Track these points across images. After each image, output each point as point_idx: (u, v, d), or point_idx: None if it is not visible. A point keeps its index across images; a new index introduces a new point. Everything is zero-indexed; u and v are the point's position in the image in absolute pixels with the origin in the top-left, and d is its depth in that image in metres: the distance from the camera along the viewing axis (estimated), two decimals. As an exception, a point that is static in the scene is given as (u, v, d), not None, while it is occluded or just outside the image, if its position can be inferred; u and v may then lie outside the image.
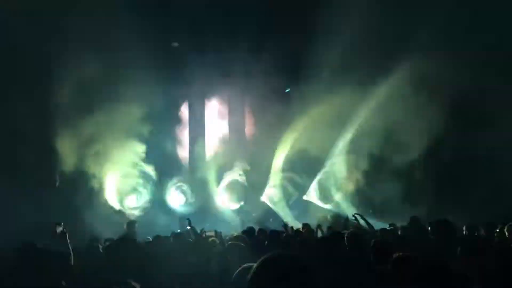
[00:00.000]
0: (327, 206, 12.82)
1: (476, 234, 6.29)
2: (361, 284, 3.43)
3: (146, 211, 12.51)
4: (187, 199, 13.50)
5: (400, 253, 3.30)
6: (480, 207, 9.07)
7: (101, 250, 5.17)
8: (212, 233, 7.13)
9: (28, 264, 3.64)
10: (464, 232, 6.38)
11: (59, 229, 5.47)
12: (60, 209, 9.23)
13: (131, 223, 7.80)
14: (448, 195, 10.56)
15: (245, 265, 2.12)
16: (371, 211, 10.80)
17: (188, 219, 6.92)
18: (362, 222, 6.87)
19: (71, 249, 4.37)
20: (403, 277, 3.01)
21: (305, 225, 8.66)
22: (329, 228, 8.17)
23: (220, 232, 7.25)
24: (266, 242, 5.78)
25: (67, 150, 11.06)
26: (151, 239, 6.31)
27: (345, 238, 4.29)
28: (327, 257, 3.80)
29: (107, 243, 5.11)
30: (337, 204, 12.72)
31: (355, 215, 7.11)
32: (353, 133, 12.22)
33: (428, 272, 2.46)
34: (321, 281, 1.69)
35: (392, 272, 3.21)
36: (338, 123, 12.27)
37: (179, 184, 13.47)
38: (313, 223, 9.08)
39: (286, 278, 1.53)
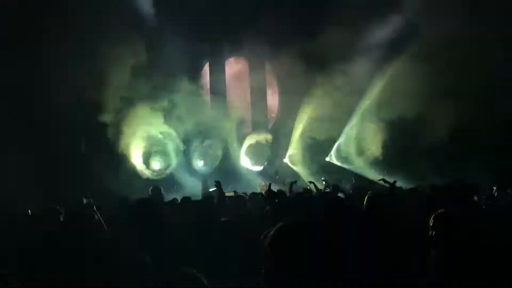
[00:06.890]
0: (348, 167, 12.76)
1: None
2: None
3: (171, 173, 12.72)
4: (210, 161, 13.56)
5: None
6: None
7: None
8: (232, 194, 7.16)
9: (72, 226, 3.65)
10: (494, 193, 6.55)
11: (86, 200, 5.60)
12: (85, 174, 9.46)
13: (155, 189, 7.13)
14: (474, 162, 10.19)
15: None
16: (385, 171, 10.68)
17: (217, 181, 6.72)
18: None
19: (101, 219, 4.37)
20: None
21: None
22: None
23: (244, 193, 7.12)
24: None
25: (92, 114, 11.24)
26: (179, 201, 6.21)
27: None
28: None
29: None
30: (357, 167, 12.63)
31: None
32: (375, 98, 11.94)
33: None
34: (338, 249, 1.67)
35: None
36: (360, 87, 11.98)
37: (202, 145, 13.50)
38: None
39: (303, 247, 1.57)
